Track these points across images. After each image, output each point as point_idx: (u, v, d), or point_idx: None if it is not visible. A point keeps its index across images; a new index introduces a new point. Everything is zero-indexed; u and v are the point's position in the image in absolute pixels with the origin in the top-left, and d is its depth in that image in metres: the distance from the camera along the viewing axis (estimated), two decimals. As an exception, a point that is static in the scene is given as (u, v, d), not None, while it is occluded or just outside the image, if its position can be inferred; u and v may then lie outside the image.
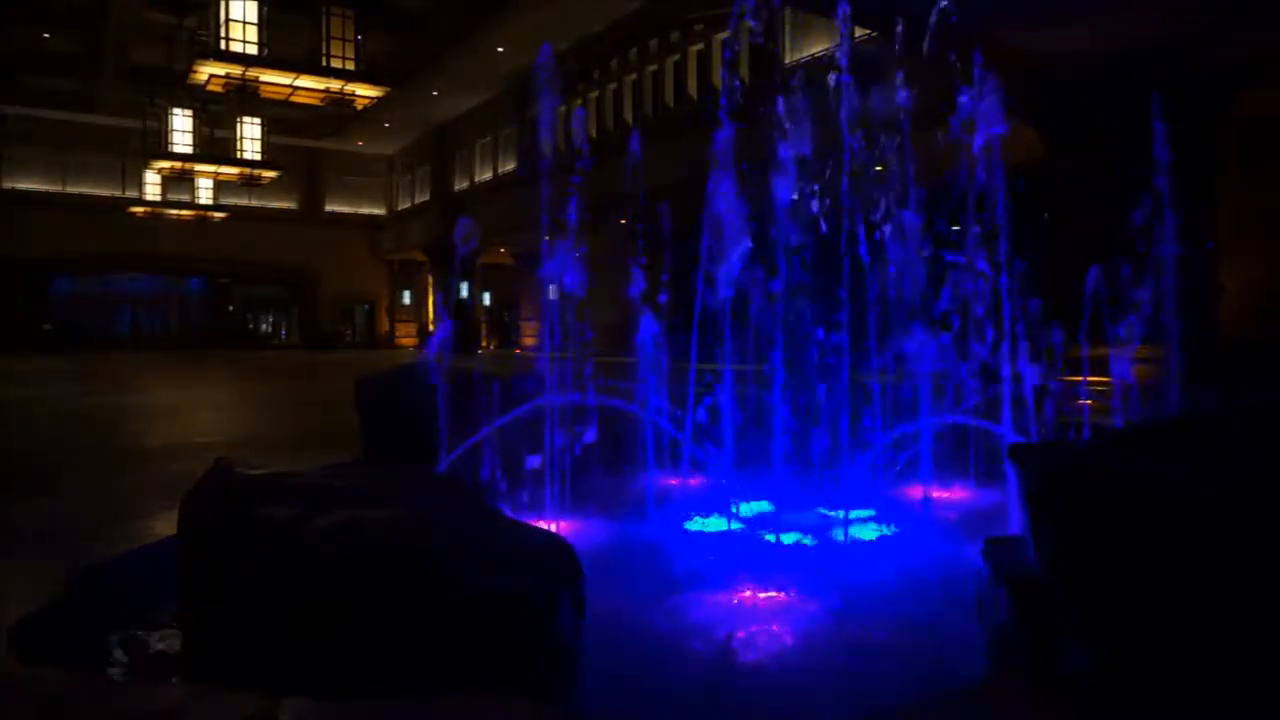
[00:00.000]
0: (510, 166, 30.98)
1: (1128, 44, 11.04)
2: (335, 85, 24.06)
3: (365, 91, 24.81)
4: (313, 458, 5.28)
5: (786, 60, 19.03)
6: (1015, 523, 3.41)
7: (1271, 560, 1.95)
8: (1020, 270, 4.40)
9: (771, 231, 4.17)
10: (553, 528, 4.03)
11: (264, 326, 44.09)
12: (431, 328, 36.86)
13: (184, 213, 34.43)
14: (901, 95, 4.87)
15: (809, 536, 4.11)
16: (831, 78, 4.62)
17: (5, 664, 2.48)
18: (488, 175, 33.27)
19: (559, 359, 4.64)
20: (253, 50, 22.05)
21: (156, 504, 4.53)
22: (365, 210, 42.56)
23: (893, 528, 4.31)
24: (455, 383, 4.71)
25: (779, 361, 4.09)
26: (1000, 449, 4.19)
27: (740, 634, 2.93)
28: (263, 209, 39.45)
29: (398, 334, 41.89)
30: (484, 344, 34.82)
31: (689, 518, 4.47)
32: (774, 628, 3.01)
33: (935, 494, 4.80)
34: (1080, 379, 5.21)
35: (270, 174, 30.09)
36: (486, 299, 38.31)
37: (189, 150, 29.18)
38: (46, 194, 35.70)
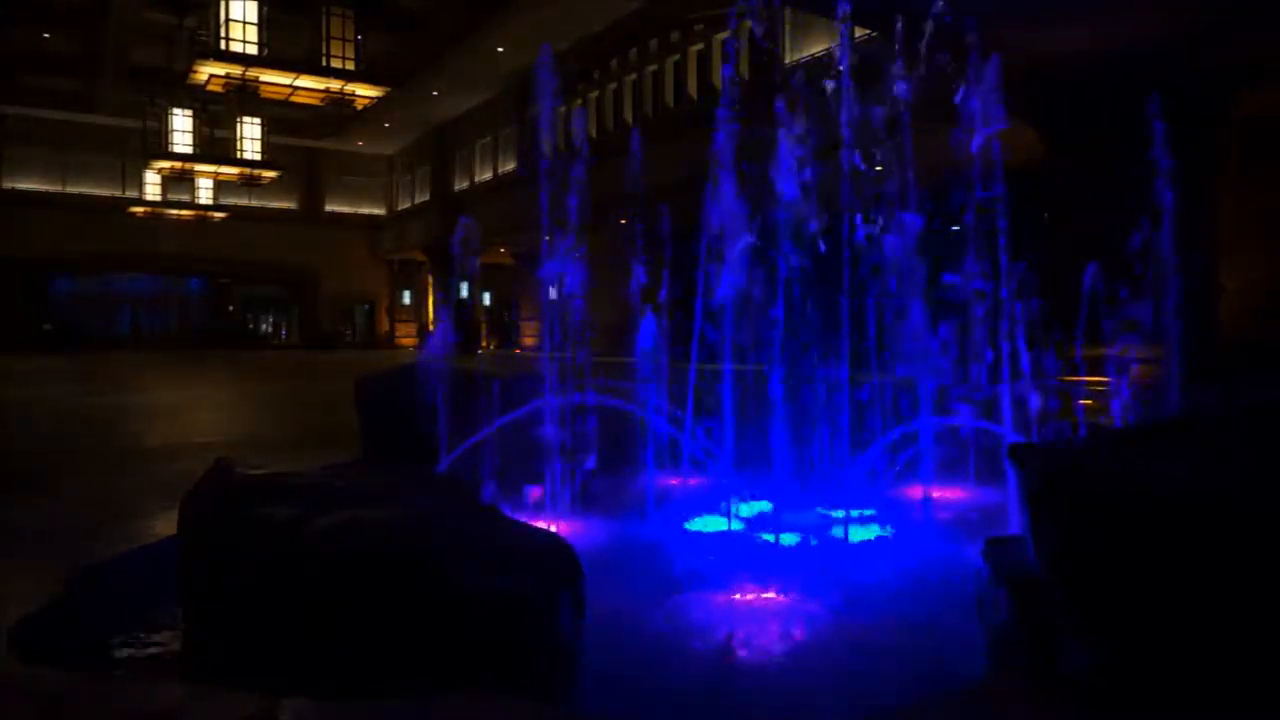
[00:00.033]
0: (510, 166, 30.98)
1: (1128, 44, 11.04)
2: (335, 85, 24.07)
3: (365, 91, 24.82)
4: (313, 458, 5.28)
5: (787, 60, 19.03)
6: (1015, 523, 3.42)
7: (1271, 560, 1.95)
8: (1020, 271, 4.39)
9: (771, 232, 4.17)
10: (553, 528, 4.03)
11: (264, 326, 44.08)
12: (431, 328, 36.86)
13: (184, 213, 34.43)
14: (902, 96, 4.87)
15: (809, 536, 4.10)
16: (828, 83, 4.62)
17: (5, 664, 2.48)
18: (488, 175, 33.27)
19: (559, 359, 4.64)
20: (253, 50, 22.06)
21: (156, 504, 4.53)
22: (365, 210, 42.57)
23: (890, 529, 4.31)
24: (455, 383, 4.72)
25: (779, 361, 4.09)
26: (1000, 449, 4.19)
27: (740, 634, 2.93)
28: (263, 209, 39.45)
29: (398, 334, 41.90)
30: (484, 344, 34.82)
31: (689, 518, 4.47)
32: (774, 628, 3.01)
33: (935, 494, 4.80)
34: (1079, 379, 5.21)
35: (270, 174, 30.10)
36: (486, 299, 38.32)
37: (189, 150, 29.18)
38: (46, 194, 35.70)
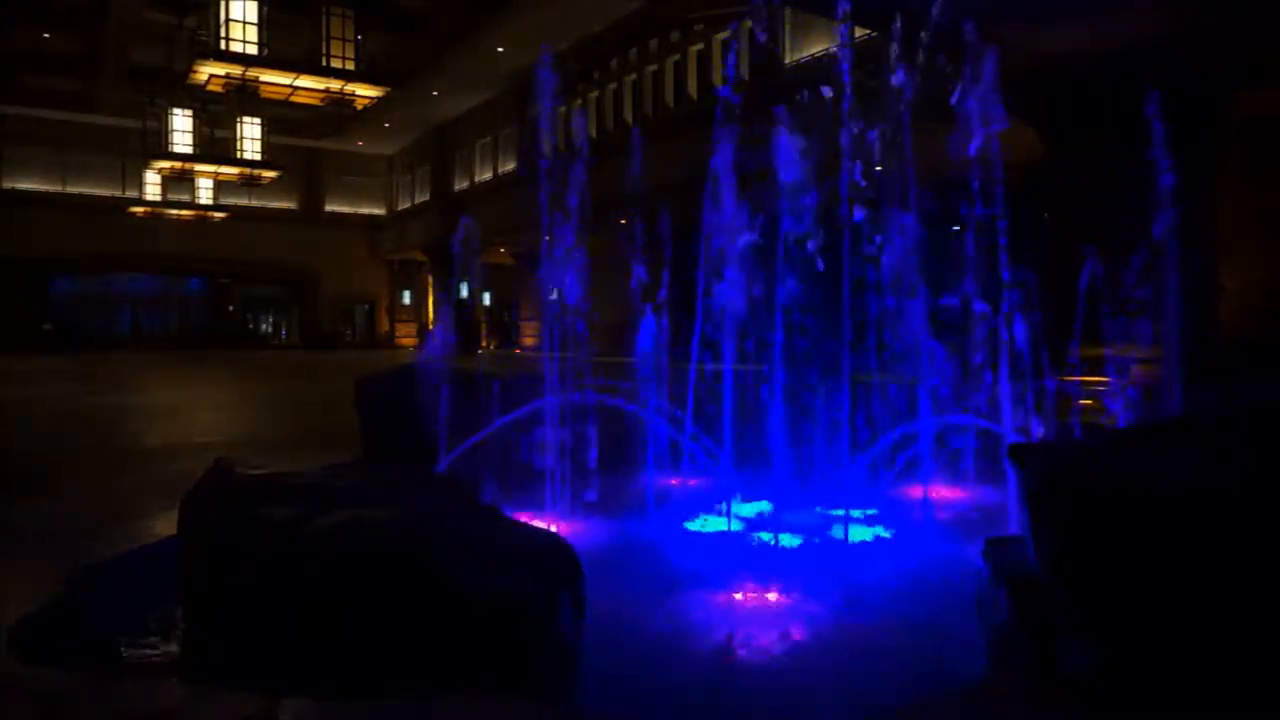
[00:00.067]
0: (510, 166, 30.98)
1: (1128, 44, 11.04)
2: (335, 85, 24.04)
3: (365, 91, 24.80)
4: (313, 458, 5.28)
5: (787, 60, 19.02)
6: (1015, 522, 3.41)
7: (1271, 560, 1.95)
8: (1019, 271, 4.39)
9: (770, 232, 4.17)
10: (552, 528, 4.03)
11: (264, 326, 44.06)
12: (431, 328, 36.85)
13: (184, 213, 34.42)
14: (902, 95, 4.87)
15: (810, 536, 4.10)
16: (826, 89, 4.62)
17: (5, 664, 2.48)
18: (488, 175, 33.26)
19: (558, 359, 4.64)
20: (253, 50, 22.04)
21: (156, 504, 4.53)
22: (365, 210, 42.56)
23: (890, 529, 4.31)
24: (455, 383, 4.72)
25: (779, 361, 4.08)
26: (999, 449, 4.19)
27: (740, 634, 2.93)
28: (263, 209, 39.44)
29: (398, 334, 41.90)
30: (484, 344, 34.82)
31: (689, 517, 4.47)
32: (774, 628, 3.01)
33: (935, 493, 4.80)
34: (1079, 379, 5.21)
35: (270, 174, 30.08)
36: (486, 299, 38.31)
37: (189, 150, 29.16)
38: (46, 194, 35.69)
